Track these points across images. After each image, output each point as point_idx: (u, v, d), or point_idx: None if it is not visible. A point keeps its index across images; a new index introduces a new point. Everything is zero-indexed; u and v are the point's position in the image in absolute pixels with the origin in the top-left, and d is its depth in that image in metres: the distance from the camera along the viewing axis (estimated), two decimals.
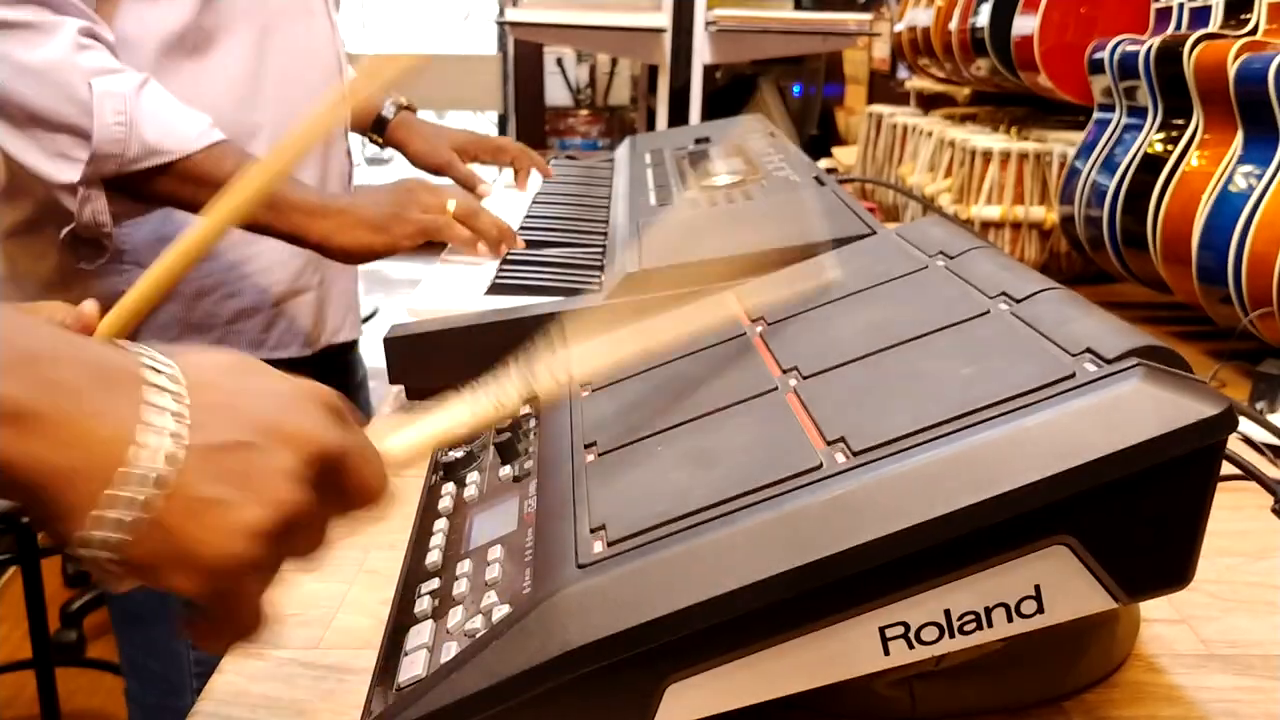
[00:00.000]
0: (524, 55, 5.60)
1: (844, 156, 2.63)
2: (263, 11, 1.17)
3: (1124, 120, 1.31)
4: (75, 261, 1.11)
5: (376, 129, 1.50)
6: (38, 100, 1.00)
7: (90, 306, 0.71)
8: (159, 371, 0.43)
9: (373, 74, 0.96)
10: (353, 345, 1.43)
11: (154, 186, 1.05)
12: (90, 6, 1.04)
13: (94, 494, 0.40)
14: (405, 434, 0.55)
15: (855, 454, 0.48)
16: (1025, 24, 1.54)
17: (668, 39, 2.23)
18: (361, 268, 1.32)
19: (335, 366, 1.39)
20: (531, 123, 5.51)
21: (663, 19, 2.24)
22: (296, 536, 0.45)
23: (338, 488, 0.47)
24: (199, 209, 1.08)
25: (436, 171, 1.50)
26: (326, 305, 1.30)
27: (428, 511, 0.68)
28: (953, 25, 1.79)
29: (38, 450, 0.39)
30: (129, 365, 0.42)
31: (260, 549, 0.43)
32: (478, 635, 0.50)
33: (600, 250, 1.17)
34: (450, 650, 0.51)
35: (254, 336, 1.22)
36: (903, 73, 2.41)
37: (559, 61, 5.55)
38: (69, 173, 1.02)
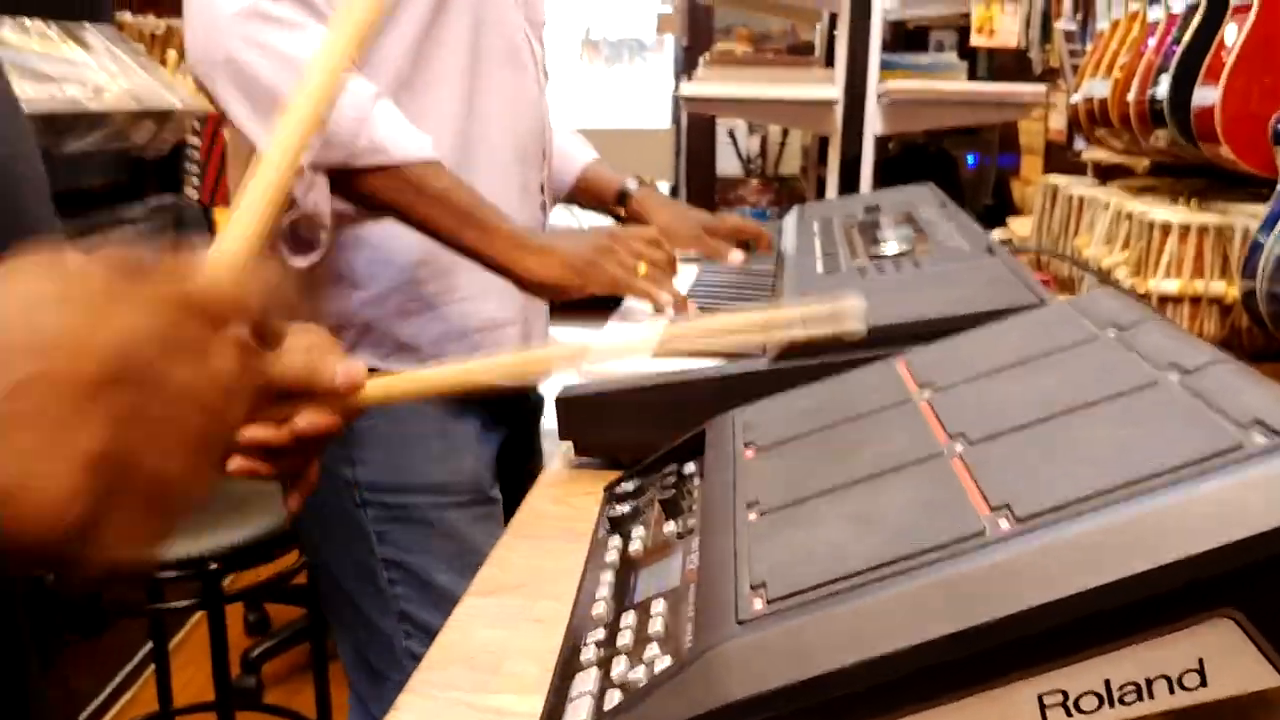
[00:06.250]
0: (696, 127, 5.69)
1: (1019, 227, 2.59)
2: (471, 55, 1.24)
3: None
4: (289, 254, 1.17)
5: (620, 202, 1.56)
6: (286, 89, 1.07)
7: (361, 369, 0.70)
8: None
9: None
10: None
11: (371, 186, 1.12)
12: None
13: None
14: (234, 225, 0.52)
15: (1019, 520, 0.48)
16: (1206, 95, 1.51)
17: (839, 110, 2.24)
18: None
19: (531, 405, 1.46)
20: (702, 192, 5.59)
21: (834, 91, 2.26)
22: (155, 437, 0.37)
23: (173, 356, 0.38)
24: (408, 218, 1.15)
25: (684, 245, 1.54)
26: (530, 342, 1.35)
27: (593, 564, 0.70)
28: (1131, 96, 1.76)
29: None
30: None
31: (101, 479, 0.36)
32: (640, 685, 0.52)
33: None
34: (613, 699, 0.52)
35: (458, 361, 1.28)
36: (1079, 143, 2.37)
37: (731, 133, 5.62)
38: None
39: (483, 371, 0.72)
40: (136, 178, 2.42)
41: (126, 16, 2.54)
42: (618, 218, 1.57)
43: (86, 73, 2.11)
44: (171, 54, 2.66)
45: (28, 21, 2.05)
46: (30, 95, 1.86)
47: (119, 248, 0.39)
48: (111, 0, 2.44)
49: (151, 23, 2.65)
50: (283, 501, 0.73)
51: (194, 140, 2.53)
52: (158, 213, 2.34)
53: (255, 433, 0.67)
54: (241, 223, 0.52)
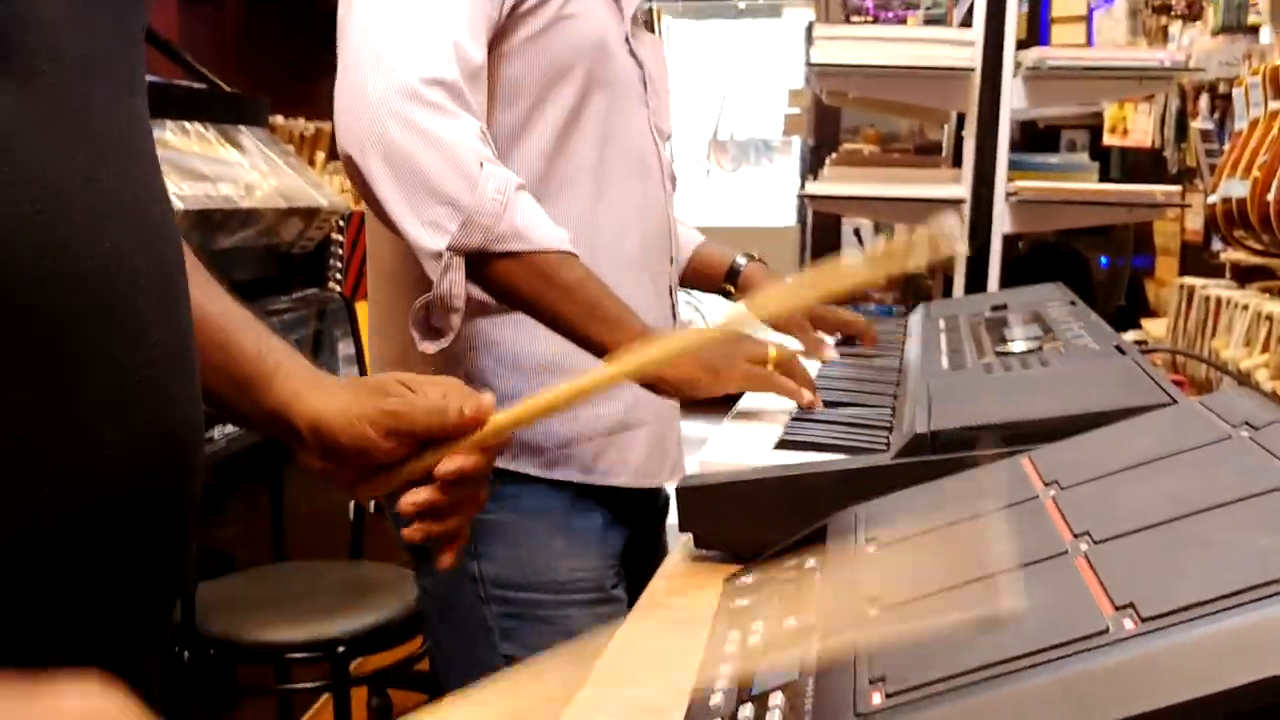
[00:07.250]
0: (822, 225, 5.71)
1: (1154, 329, 2.54)
2: (600, 164, 1.27)
3: None
4: (420, 340, 1.19)
5: (730, 278, 1.56)
6: (433, 168, 1.09)
7: (489, 399, 0.78)
8: None
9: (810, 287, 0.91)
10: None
11: (507, 273, 1.14)
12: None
13: None
14: None
15: (1144, 620, 0.47)
16: None
17: (967, 210, 2.24)
18: None
19: (657, 503, 1.45)
20: None
21: (961, 190, 2.26)
22: None
23: None
24: (537, 308, 1.16)
25: (785, 329, 1.51)
26: (665, 444, 1.36)
27: (711, 656, 0.70)
28: (1271, 196, 1.72)
29: None
30: None
31: None
32: None
33: (889, 410, 1.18)
34: None
35: (585, 462, 1.29)
36: (1217, 244, 2.32)
37: (856, 231, 5.61)
38: (438, 240, 1.11)
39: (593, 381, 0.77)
40: (284, 272, 2.53)
41: (279, 119, 2.68)
42: (728, 295, 1.57)
43: (239, 172, 2.22)
44: (320, 154, 2.79)
45: (188, 125, 2.18)
46: (187, 193, 1.97)
47: None
48: (267, 105, 2.57)
49: (301, 125, 2.78)
50: (436, 559, 0.77)
51: (338, 237, 2.64)
52: (302, 304, 2.44)
53: (416, 496, 0.74)
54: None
